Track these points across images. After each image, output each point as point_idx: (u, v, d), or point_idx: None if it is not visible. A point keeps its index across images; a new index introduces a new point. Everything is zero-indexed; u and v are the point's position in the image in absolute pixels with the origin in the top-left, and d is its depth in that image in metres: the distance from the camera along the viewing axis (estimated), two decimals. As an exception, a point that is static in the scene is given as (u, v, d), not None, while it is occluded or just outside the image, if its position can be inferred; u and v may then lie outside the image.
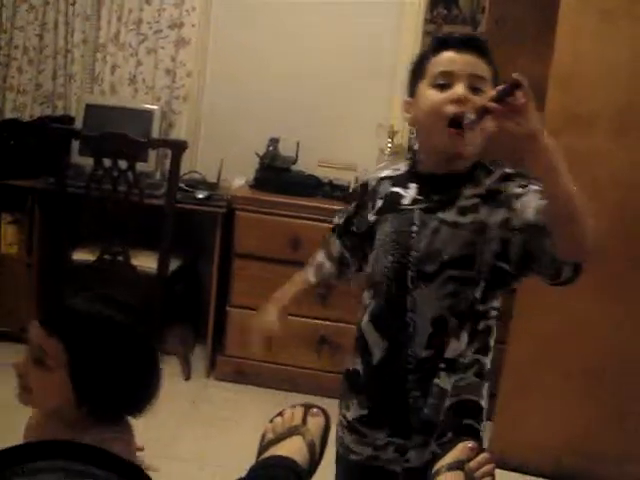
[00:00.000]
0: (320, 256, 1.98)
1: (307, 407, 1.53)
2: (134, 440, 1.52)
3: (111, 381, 1.41)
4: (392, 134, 3.94)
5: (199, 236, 4.05)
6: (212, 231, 3.75)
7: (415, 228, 1.64)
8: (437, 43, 1.65)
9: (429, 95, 1.61)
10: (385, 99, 4.02)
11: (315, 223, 3.61)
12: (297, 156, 3.88)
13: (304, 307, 3.66)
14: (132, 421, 1.53)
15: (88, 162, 3.71)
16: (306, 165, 3.88)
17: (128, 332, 1.45)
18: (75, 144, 3.85)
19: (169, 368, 3.89)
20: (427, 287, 1.63)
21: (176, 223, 3.66)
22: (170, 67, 4.14)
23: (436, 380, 1.66)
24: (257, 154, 3.84)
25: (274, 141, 3.89)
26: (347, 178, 3.85)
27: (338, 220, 1.94)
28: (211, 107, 4.20)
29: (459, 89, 1.56)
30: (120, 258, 3.66)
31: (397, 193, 1.71)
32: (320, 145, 3.98)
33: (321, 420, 1.49)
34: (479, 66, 1.59)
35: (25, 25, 4.25)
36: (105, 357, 1.41)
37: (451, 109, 1.55)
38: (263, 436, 1.50)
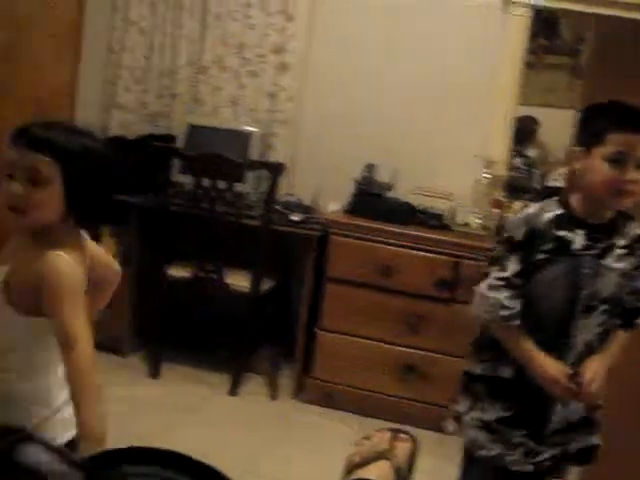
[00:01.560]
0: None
1: (395, 432, 1.52)
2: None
3: (93, 189, 1.69)
4: (489, 165, 3.92)
5: (292, 258, 4.08)
6: (305, 254, 3.78)
7: (585, 271, 1.97)
8: (621, 119, 1.90)
9: (605, 169, 1.90)
10: (483, 130, 4.00)
11: (408, 251, 3.62)
12: (393, 183, 3.88)
13: (393, 334, 3.66)
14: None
15: (188, 180, 3.80)
16: (401, 192, 3.88)
17: (103, 151, 1.74)
18: (176, 162, 3.94)
19: (256, 387, 3.93)
20: (587, 318, 2.00)
21: (270, 244, 3.71)
22: (271, 91, 4.21)
23: None
24: (353, 179, 3.87)
25: (370, 167, 3.90)
26: (442, 207, 3.83)
27: (508, 273, 2.00)
28: (310, 131, 4.26)
29: (632, 174, 1.88)
30: (214, 276, 3.73)
31: (565, 237, 1.97)
32: (416, 173, 3.97)
33: (409, 445, 1.49)
34: None
35: (133, 46, 4.38)
36: (88, 169, 1.67)
37: (624, 188, 1.89)
38: (349, 459, 1.50)
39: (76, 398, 1.59)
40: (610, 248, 1.99)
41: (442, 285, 3.57)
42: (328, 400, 3.80)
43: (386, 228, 3.66)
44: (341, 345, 3.74)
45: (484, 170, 3.92)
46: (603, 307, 1.99)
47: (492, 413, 2.06)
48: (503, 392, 2.07)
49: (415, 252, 3.61)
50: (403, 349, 3.69)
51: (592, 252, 1.97)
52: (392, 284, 3.64)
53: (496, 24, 3.96)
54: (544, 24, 4.08)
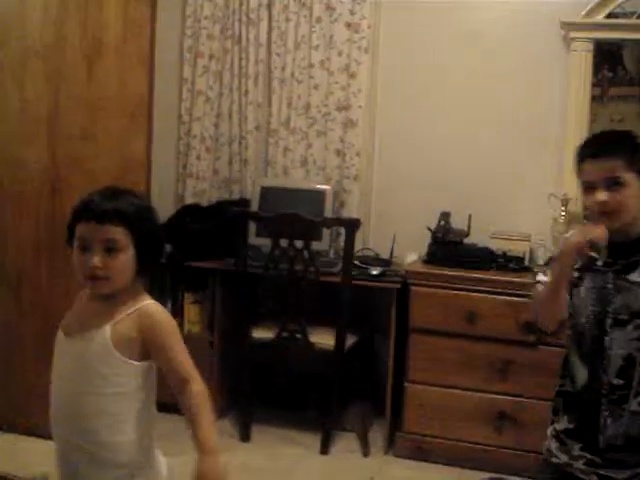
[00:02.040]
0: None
1: (495, 480, 1.50)
2: None
3: (157, 244, 1.91)
4: (565, 202, 3.87)
5: (374, 312, 4.07)
6: (387, 306, 3.77)
7: (609, 286, 2.09)
8: (583, 150, 2.12)
9: (583, 198, 2.13)
10: (555, 167, 3.97)
11: (491, 296, 3.57)
12: (469, 229, 3.86)
13: (482, 382, 3.61)
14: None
15: (265, 242, 3.85)
16: (478, 238, 3.86)
17: (150, 206, 1.93)
18: (252, 226, 3.99)
19: (348, 444, 3.90)
20: (620, 331, 2.07)
21: (351, 299, 3.71)
22: (339, 148, 4.26)
23: (624, 405, 2.08)
24: (429, 228, 3.86)
25: (445, 215, 3.90)
26: (521, 249, 3.79)
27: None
28: (381, 185, 4.28)
29: (600, 196, 2.04)
30: (298, 335, 3.74)
31: (591, 255, 2.09)
32: (491, 217, 3.96)
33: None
34: (614, 168, 2.03)
35: (202, 115, 4.50)
36: (150, 228, 1.87)
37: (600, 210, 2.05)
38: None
39: (196, 420, 1.78)
40: (634, 265, 2.07)
41: (528, 328, 3.51)
42: (421, 453, 3.74)
43: (467, 275, 3.63)
44: (430, 396, 3.70)
45: (560, 208, 3.88)
46: (638, 321, 2.06)
47: (562, 424, 2.22)
48: (569, 405, 2.21)
49: (498, 297, 3.56)
50: (493, 396, 3.62)
51: (614, 268, 2.09)
52: (477, 331, 3.60)
53: (559, 61, 3.96)
54: (607, 56, 4.04)
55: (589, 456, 2.12)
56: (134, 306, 1.84)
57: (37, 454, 3.51)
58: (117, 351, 1.80)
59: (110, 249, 1.79)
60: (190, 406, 1.80)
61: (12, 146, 3.64)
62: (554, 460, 2.23)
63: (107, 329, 1.81)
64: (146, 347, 1.82)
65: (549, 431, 2.29)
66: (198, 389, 1.81)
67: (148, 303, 1.86)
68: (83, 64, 3.53)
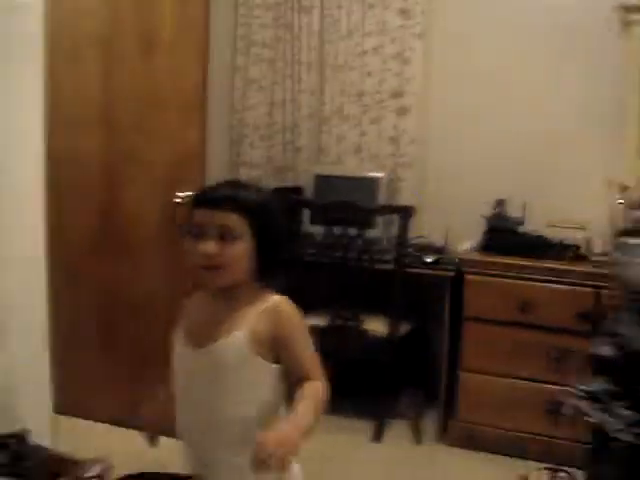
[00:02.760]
0: None
1: (553, 471, 1.49)
2: None
3: (278, 241, 1.82)
4: (623, 190, 3.80)
5: (428, 300, 4.06)
6: (441, 295, 3.76)
7: None
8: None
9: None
10: (613, 153, 3.90)
11: (546, 285, 3.54)
12: (524, 217, 3.82)
13: (536, 371, 3.58)
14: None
15: (318, 230, 3.86)
16: (534, 225, 3.82)
17: (277, 203, 1.87)
18: (306, 213, 4.01)
19: (400, 432, 3.90)
20: None
21: (405, 287, 3.71)
22: (393, 135, 4.25)
23: None
24: (483, 216, 3.83)
25: (500, 203, 3.87)
26: (577, 237, 3.74)
27: None
28: (435, 172, 4.27)
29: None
30: (351, 323, 3.75)
31: None
32: (547, 204, 3.91)
33: (567, 483, 1.46)
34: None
35: (255, 104, 4.53)
36: (271, 221, 1.80)
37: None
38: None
39: (295, 406, 1.71)
40: None
41: (583, 317, 3.47)
42: (473, 442, 3.73)
43: (522, 263, 3.60)
44: (484, 385, 3.68)
45: (618, 196, 3.81)
46: None
47: (596, 385, 2.32)
48: (605, 368, 2.33)
49: (554, 285, 3.53)
50: (547, 386, 3.58)
51: None
52: (532, 320, 3.56)
53: (617, 45, 3.88)
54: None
55: (633, 416, 2.20)
56: (263, 304, 1.80)
57: (94, 437, 3.60)
58: (255, 354, 1.75)
59: (225, 236, 1.75)
60: (297, 396, 1.74)
61: (69, 139, 3.69)
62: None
63: (241, 333, 1.76)
64: (275, 344, 1.77)
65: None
66: (315, 384, 1.77)
67: (276, 298, 1.82)
68: (138, 55, 3.56)
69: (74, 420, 3.69)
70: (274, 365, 1.76)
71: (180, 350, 1.87)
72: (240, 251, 1.76)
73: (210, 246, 1.74)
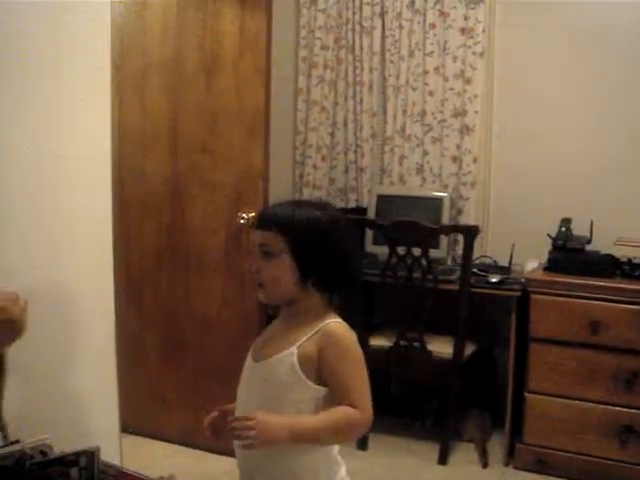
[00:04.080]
0: None
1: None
2: None
3: (321, 257, 1.79)
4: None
5: (493, 320, 4.01)
6: (507, 315, 3.70)
7: None
8: None
9: None
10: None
11: (615, 305, 3.45)
12: (591, 235, 3.75)
13: (607, 393, 3.49)
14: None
15: (381, 250, 3.85)
16: (601, 244, 3.73)
17: (327, 220, 1.82)
18: (369, 234, 4.00)
19: (466, 455, 3.85)
20: None
21: (470, 308, 3.67)
22: (456, 154, 4.22)
23: None
24: (549, 235, 3.77)
25: (566, 221, 3.80)
26: (647, 256, 3.66)
27: None
28: (499, 191, 4.22)
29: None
30: (416, 344, 3.72)
31: None
32: (614, 223, 3.82)
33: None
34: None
35: (317, 125, 4.55)
36: (312, 238, 1.79)
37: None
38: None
39: (313, 419, 1.74)
40: None
41: (655, 338, 3.39)
42: (541, 466, 3.65)
43: (590, 283, 3.52)
44: (552, 408, 3.61)
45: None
46: None
47: None
48: None
49: (623, 305, 3.45)
50: (619, 409, 3.50)
51: None
52: (601, 340, 3.49)
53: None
54: None
55: None
56: (318, 325, 1.79)
57: (159, 456, 3.63)
58: (303, 374, 1.75)
59: (265, 254, 1.80)
60: (336, 419, 1.73)
61: (135, 157, 3.77)
62: None
63: (293, 352, 1.77)
64: (321, 366, 1.75)
65: None
66: (349, 410, 1.73)
67: (331, 321, 1.81)
68: (201, 77, 3.62)
69: (140, 439, 3.74)
70: (317, 387, 1.76)
71: (246, 363, 1.91)
72: (276, 267, 1.79)
73: (253, 265, 1.82)
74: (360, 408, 1.74)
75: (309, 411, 1.76)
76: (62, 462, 1.62)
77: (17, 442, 1.70)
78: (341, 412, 1.73)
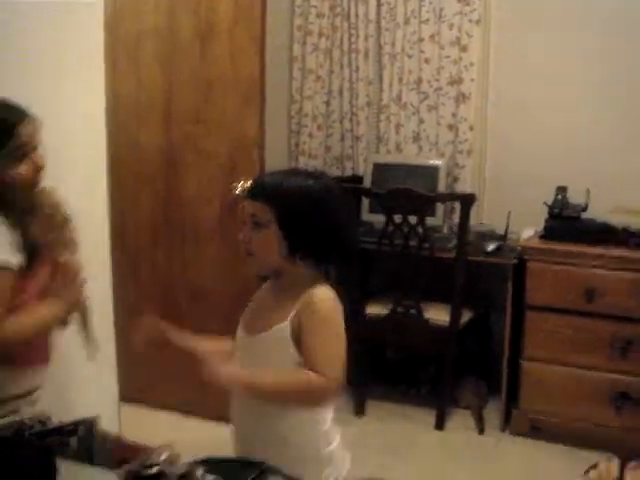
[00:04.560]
0: None
1: (624, 460, 1.46)
2: None
3: (309, 228, 1.77)
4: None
5: (489, 288, 4.02)
6: (503, 283, 3.71)
7: None
8: None
9: None
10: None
11: (611, 272, 3.47)
12: (587, 203, 3.75)
13: (602, 361, 3.51)
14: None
15: (378, 219, 3.85)
16: (597, 212, 3.73)
17: (317, 190, 1.80)
18: (365, 202, 4.00)
19: (463, 421, 3.88)
20: None
21: (466, 275, 3.68)
22: (452, 123, 4.20)
23: None
24: (545, 203, 3.77)
25: (562, 190, 3.80)
26: (643, 223, 3.67)
27: None
28: (495, 159, 4.21)
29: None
30: (412, 311, 3.74)
31: None
32: (611, 191, 3.81)
33: None
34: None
35: (313, 94, 4.53)
36: (299, 208, 1.77)
37: None
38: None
39: (267, 374, 1.75)
40: None
41: (650, 305, 3.41)
42: (537, 432, 3.69)
43: (586, 251, 3.53)
44: (547, 375, 3.63)
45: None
46: None
47: None
48: None
49: (619, 273, 3.46)
50: (614, 376, 3.52)
51: None
52: (597, 308, 3.50)
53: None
54: None
55: None
56: (304, 295, 1.77)
57: (159, 426, 3.65)
58: (295, 347, 1.76)
59: (255, 224, 1.79)
60: (294, 381, 1.75)
61: (129, 127, 3.74)
62: None
63: (287, 325, 1.77)
64: (300, 332, 1.76)
65: None
66: (312, 376, 1.71)
67: (316, 289, 1.78)
68: (195, 46, 3.59)
69: (139, 408, 3.75)
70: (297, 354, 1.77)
71: (238, 335, 1.92)
72: (263, 237, 1.79)
73: (242, 234, 1.81)
74: (325, 375, 1.71)
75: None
76: (61, 432, 1.63)
77: (15, 412, 1.72)
78: (303, 375, 1.72)
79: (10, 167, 1.91)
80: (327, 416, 1.88)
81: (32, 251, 1.94)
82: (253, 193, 1.82)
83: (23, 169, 1.93)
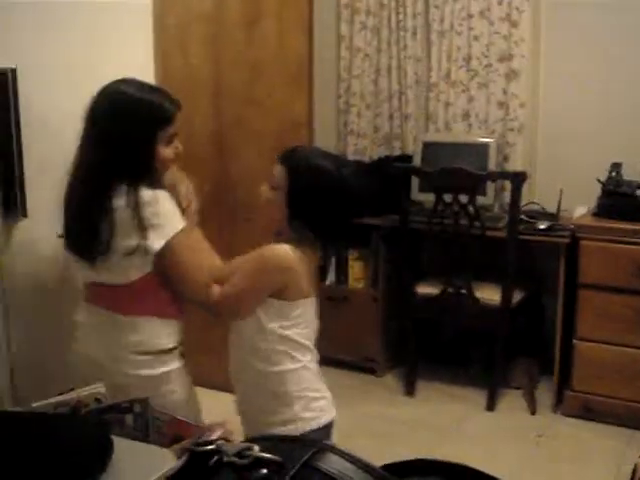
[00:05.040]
0: None
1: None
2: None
3: (314, 203, 2.03)
4: None
5: (542, 267, 3.98)
6: (555, 262, 3.67)
7: None
8: None
9: None
10: None
11: (665, 250, 3.41)
12: (642, 180, 3.68)
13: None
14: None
15: (428, 198, 3.83)
16: (652, 189, 3.67)
17: (334, 174, 2.04)
18: (415, 181, 3.97)
19: (514, 402, 3.86)
20: None
21: (518, 255, 3.64)
22: (502, 100, 4.14)
23: None
24: (599, 180, 3.71)
25: (616, 166, 3.73)
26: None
27: None
28: (546, 137, 4.14)
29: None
30: (463, 291, 3.71)
31: None
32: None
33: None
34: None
35: (361, 73, 4.49)
36: (311, 183, 2.03)
37: None
38: (634, 471, 1.43)
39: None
40: None
41: None
42: (589, 413, 3.65)
43: (639, 228, 3.47)
44: (600, 354, 3.59)
45: None
46: None
47: None
48: None
49: (674, 251, 3.40)
50: (666, 354, 3.48)
51: None
52: (650, 286, 3.45)
53: None
54: None
55: None
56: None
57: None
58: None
59: (271, 184, 2.08)
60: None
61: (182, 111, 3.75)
62: None
63: None
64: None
65: None
66: (216, 292, 2.09)
67: (280, 245, 2.06)
68: (243, 28, 3.59)
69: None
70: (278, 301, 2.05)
71: None
72: (274, 197, 2.06)
73: (263, 190, 2.11)
74: (222, 294, 2.08)
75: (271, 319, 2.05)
76: (117, 409, 1.65)
77: (72, 390, 1.74)
78: (210, 284, 2.10)
79: (162, 148, 2.13)
80: (312, 377, 2.12)
81: None
82: (281, 157, 2.08)
83: (169, 152, 2.16)
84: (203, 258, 2.14)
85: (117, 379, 1.98)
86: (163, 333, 2.16)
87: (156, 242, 2.04)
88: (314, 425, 2.07)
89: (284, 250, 2.03)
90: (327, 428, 2.09)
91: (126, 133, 2.06)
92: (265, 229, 2.21)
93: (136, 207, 2.02)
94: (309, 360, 2.11)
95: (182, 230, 2.08)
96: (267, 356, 2.07)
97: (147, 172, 2.08)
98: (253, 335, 2.08)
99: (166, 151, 2.13)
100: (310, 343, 2.12)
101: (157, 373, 2.13)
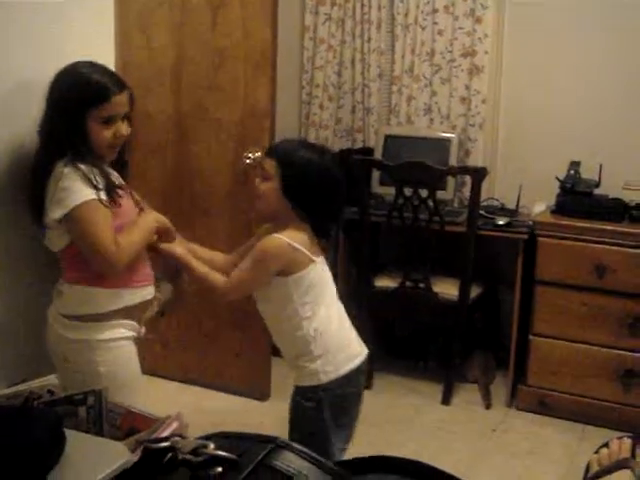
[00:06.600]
0: None
1: (636, 438, 1.44)
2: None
3: (306, 192, 2.19)
4: None
5: (499, 263, 4.01)
6: (513, 258, 3.70)
7: None
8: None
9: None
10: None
11: (622, 249, 3.45)
12: (600, 179, 3.72)
13: (610, 337, 3.50)
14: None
15: (388, 191, 3.83)
16: (610, 188, 3.70)
17: (322, 165, 2.22)
18: (375, 174, 3.97)
19: (469, 396, 3.88)
20: None
21: (476, 250, 3.66)
22: (465, 95, 4.16)
23: None
24: (557, 178, 3.74)
25: (575, 164, 3.76)
26: (656, 200, 3.63)
27: None
28: (507, 133, 4.17)
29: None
30: (422, 285, 3.72)
31: None
32: (624, 167, 3.79)
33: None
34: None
35: (324, 64, 4.47)
36: (301, 173, 2.20)
37: None
38: (587, 468, 1.44)
39: (197, 265, 2.31)
40: None
41: (661, 282, 3.39)
42: (544, 408, 3.69)
43: (597, 226, 3.50)
44: (555, 350, 3.63)
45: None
46: None
47: None
48: None
49: (630, 250, 3.44)
50: (622, 352, 3.52)
51: None
52: (606, 285, 3.48)
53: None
54: None
55: None
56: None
57: (160, 394, 3.64)
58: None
59: (262, 176, 2.24)
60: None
61: (139, 95, 3.69)
62: None
63: None
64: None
65: None
66: (222, 283, 2.26)
67: (277, 235, 2.19)
68: (207, 13, 3.55)
69: (148, 378, 3.76)
70: (278, 277, 2.21)
71: None
72: (266, 188, 2.22)
73: (257, 180, 2.26)
74: (227, 285, 2.25)
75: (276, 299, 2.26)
76: (70, 401, 1.62)
77: (24, 381, 1.71)
78: (217, 275, 2.28)
79: (97, 128, 2.14)
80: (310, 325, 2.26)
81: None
82: (269, 151, 2.29)
83: (107, 133, 2.17)
84: (100, 231, 2.11)
85: (53, 337, 2.22)
86: (89, 300, 2.19)
87: (57, 213, 2.10)
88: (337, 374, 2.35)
89: (277, 240, 2.18)
90: (351, 373, 2.42)
91: (60, 104, 2.15)
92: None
93: (53, 180, 2.11)
94: (327, 316, 2.30)
95: (85, 203, 2.08)
96: (288, 322, 2.26)
97: (79, 147, 2.12)
98: (273, 308, 2.30)
99: (103, 132, 2.16)
100: (326, 300, 2.31)
101: (80, 338, 2.18)
